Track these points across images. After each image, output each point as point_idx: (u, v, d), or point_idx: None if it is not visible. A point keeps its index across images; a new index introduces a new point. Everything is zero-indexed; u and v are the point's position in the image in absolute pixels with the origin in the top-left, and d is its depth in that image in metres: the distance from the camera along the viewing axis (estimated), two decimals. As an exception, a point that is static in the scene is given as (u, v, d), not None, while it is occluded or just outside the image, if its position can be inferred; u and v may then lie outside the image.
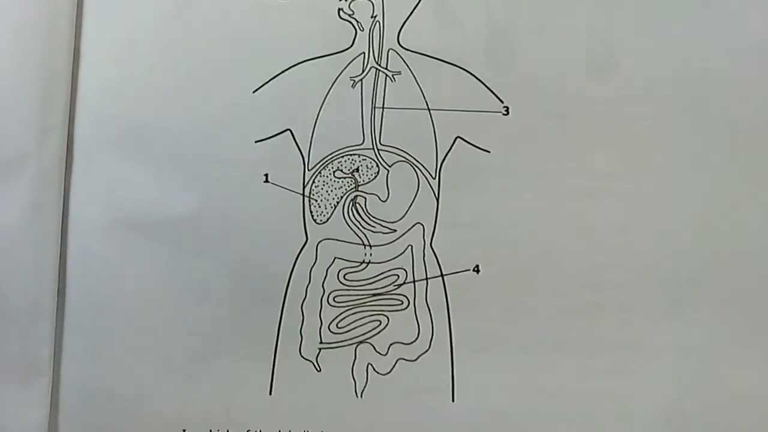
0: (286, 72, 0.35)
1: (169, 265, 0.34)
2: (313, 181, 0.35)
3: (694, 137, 0.34)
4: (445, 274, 0.34)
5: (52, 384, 0.34)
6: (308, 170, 0.35)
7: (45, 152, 0.34)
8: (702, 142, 0.34)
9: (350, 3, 0.35)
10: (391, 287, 0.34)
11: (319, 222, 0.34)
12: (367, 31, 0.35)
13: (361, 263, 0.34)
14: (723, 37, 0.35)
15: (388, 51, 0.35)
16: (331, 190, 0.35)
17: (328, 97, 0.35)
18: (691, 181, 0.34)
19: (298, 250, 0.34)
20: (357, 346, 0.34)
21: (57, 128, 0.34)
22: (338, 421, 0.34)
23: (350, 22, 0.35)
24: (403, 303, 0.34)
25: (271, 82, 0.35)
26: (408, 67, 0.35)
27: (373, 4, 0.35)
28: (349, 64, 0.35)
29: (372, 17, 0.35)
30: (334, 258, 0.34)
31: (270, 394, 0.34)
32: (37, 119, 0.34)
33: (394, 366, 0.34)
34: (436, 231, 0.34)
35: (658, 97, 0.34)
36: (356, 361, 0.34)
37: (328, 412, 0.34)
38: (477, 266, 0.34)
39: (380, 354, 0.34)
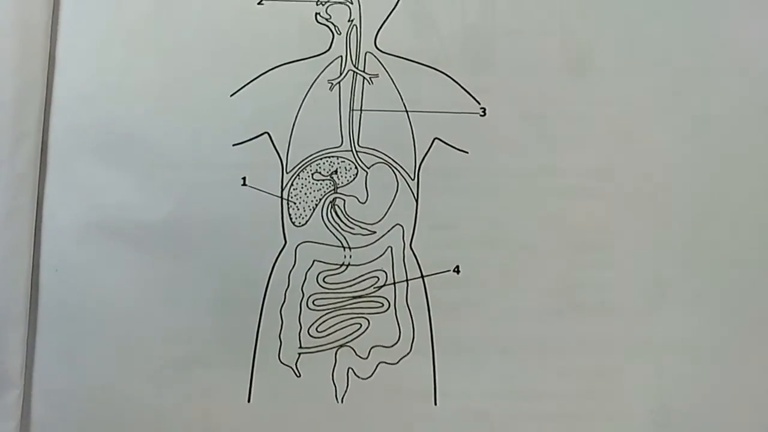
0: (264, 75, 0.35)
1: (146, 270, 0.34)
2: (292, 184, 0.34)
3: (669, 135, 0.35)
4: (426, 275, 0.34)
5: (24, 395, 0.33)
6: (286, 173, 0.34)
7: (19, 158, 0.34)
8: (678, 140, 0.35)
9: (327, 7, 0.35)
10: (371, 289, 0.34)
11: (298, 225, 0.34)
12: (344, 34, 0.35)
13: (341, 266, 0.34)
14: (697, 37, 0.35)
15: (366, 54, 0.35)
16: (310, 193, 0.34)
17: (305, 100, 0.35)
18: (668, 179, 0.35)
19: (277, 254, 0.34)
20: (337, 350, 0.34)
21: (31, 134, 0.34)
22: (319, 428, 0.33)
23: (327, 26, 0.35)
24: (383, 305, 0.34)
25: (248, 85, 0.34)
26: (385, 69, 0.35)
27: (350, 9, 0.35)
28: (327, 67, 0.35)
29: (349, 21, 0.35)
30: (314, 261, 0.34)
31: (249, 401, 0.33)
32: (11, 125, 0.34)
33: (375, 370, 0.34)
34: (415, 232, 0.34)
35: (632, 96, 0.35)
36: (336, 365, 0.34)
37: (309, 419, 0.33)
38: (457, 267, 0.34)
39: (361, 358, 0.34)
